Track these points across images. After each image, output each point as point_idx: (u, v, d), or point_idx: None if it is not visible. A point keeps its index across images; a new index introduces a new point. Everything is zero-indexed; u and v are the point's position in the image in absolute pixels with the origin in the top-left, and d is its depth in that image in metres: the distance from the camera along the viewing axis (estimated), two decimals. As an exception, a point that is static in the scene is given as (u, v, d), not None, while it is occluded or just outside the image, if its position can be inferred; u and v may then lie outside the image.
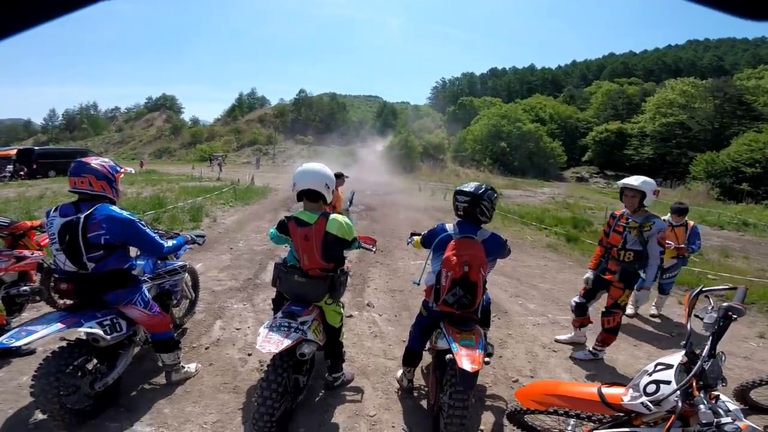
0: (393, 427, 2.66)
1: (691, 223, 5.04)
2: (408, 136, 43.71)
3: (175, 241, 2.92)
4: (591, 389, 1.91)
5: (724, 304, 1.74)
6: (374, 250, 3.25)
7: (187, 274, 3.71)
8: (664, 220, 4.76)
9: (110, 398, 2.63)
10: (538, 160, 45.19)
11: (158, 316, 2.73)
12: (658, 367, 1.74)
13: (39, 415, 2.41)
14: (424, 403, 2.92)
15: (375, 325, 4.26)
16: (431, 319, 2.67)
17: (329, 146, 52.14)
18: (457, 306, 2.38)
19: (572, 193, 27.58)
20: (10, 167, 21.53)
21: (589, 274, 3.84)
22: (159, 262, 3.26)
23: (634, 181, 3.35)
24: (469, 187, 2.64)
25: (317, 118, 65.40)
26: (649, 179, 3.38)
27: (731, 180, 30.91)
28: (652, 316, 5.03)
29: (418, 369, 3.06)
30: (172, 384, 2.91)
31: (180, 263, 3.47)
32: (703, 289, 1.95)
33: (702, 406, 1.48)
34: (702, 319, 1.75)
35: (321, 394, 2.94)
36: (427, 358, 3.08)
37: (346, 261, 2.83)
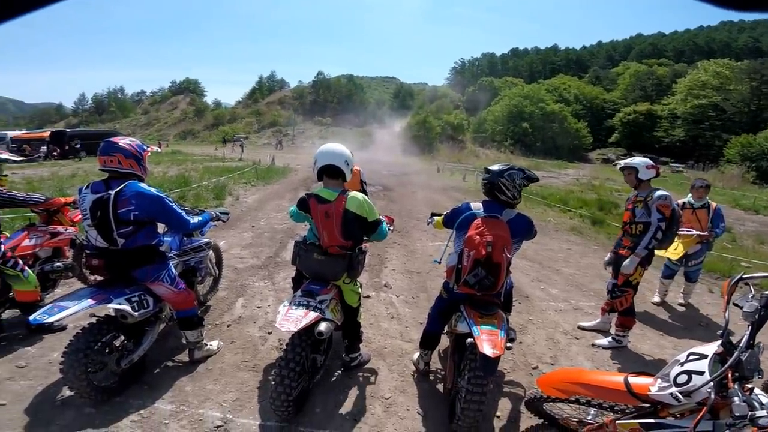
0: (408, 410, 2.67)
1: (714, 204, 4.73)
2: (426, 117, 43.14)
3: (200, 218, 2.98)
4: (617, 378, 1.86)
5: (766, 292, 1.64)
6: (392, 229, 3.23)
7: (211, 251, 3.78)
8: (683, 203, 4.74)
9: (134, 375, 2.70)
10: (561, 141, 44.19)
11: (184, 293, 2.79)
12: (691, 357, 1.67)
13: (66, 392, 2.48)
14: (440, 386, 2.92)
15: (392, 306, 4.28)
16: (451, 301, 2.64)
17: (346, 127, 52.12)
18: (478, 287, 2.34)
19: (598, 174, 26.77)
20: (44, 148, 22.55)
21: (607, 257, 3.97)
22: (185, 239, 3.33)
23: (628, 160, 3.75)
24: (495, 166, 2.62)
25: (335, 99, 65.59)
26: (640, 158, 3.80)
27: None
28: (680, 304, 4.86)
29: (434, 352, 3.06)
30: (195, 361, 2.98)
31: (205, 240, 3.54)
32: (743, 277, 1.84)
33: (736, 399, 1.41)
34: (741, 307, 1.65)
35: (337, 374, 2.98)
36: (444, 341, 3.08)
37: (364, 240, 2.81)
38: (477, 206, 2.59)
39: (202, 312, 3.75)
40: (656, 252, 4.29)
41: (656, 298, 4.93)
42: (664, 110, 45.62)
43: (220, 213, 3.40)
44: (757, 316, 1.59)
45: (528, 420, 2.58)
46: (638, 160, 3.67)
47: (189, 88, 78.86)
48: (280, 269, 5.13)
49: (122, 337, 2.61)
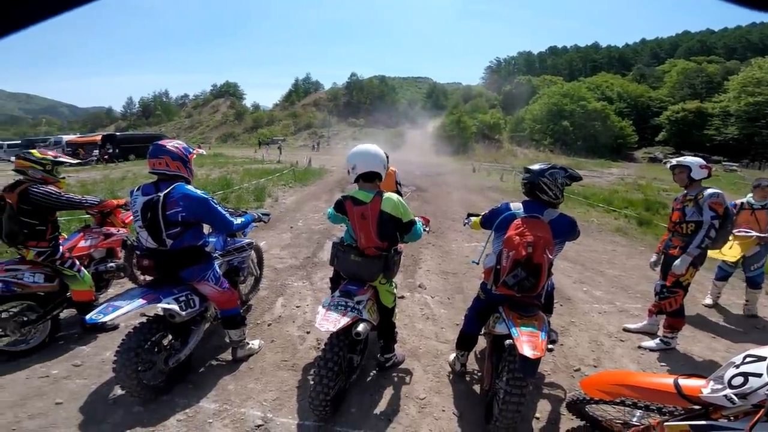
0: (443, 410, 2.65)
1: None
2: (461, 116, 42.61)
3: (243, 219, 3.08)
4: (666, 380, 1.80)
5: None
6: (428, 230, 3.21)
7: (253, 251, 3.89)
8: (742, 203, 4.48)
9: (180, 374, 2.79)
10: (604, 139, 42.45)
11: (228, 292, 2.89)
12: (748, 359, 1.60)
13: (118, 391, 2.59)
14: (476, 388, 2.88)
15: (427, 307, 4.25)
16: (489, 302, 2.59)
17: (379, 128, 52.48)
18: (518, 288, 2.28)
19: (644, 174, 25.43)
20: (96, 152, 23.99)
21: (654, 257, 3.92)
22: (228, 239, 3.45)
23: (681, 159, 3.64)
24: (536, 165, 2.57)
25: (368, 100, 66.15)
26: (693, 157, 3.64)
27: None
28: (748, 316, 4.39)
29: (471, 353, 3.02)
30: (237, 360, 3.07)
31: (247, 241, 3.66)
32: None
33: None
34: None
35: (372, 374, 2.99)
36: (481, 342, 3.02)
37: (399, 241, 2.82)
38: (517, 206, 2.54)
39: (245, 311, 3.87)
40: (712, 253, 4.08)
41: (708, 300, 4.65)
42: (716, 108, 43.51)
43: (262, 214, 3.50)
44: None
45: (568, 422, 2.51)
46: (691, 159, 3.55)
47: (229, 92, 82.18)
48: (318, 269, 5.22)
49: (170, 336, 2.73)
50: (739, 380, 1.54)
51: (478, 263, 2.82)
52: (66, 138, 27.88)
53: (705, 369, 3.21)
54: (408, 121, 56.35)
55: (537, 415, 2.62)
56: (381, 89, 70.27)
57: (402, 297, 4.40)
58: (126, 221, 4.03)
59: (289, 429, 2.42)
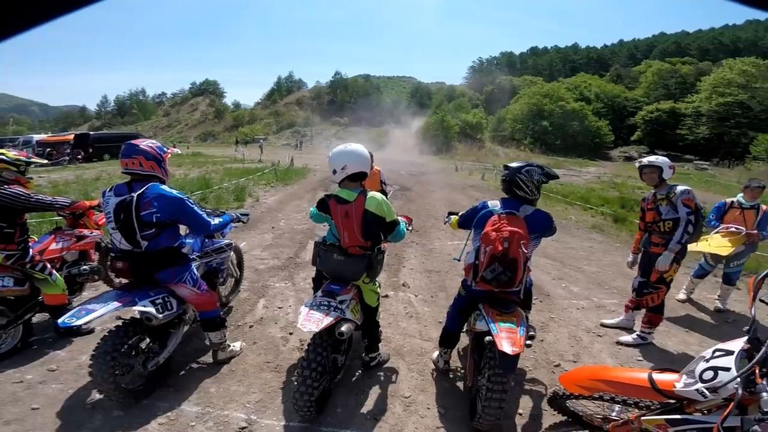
0: (428, 408, 2.66)
1: (765, 206, 4.49)
2: (444, 116, 42.98)
3: (221, 219, 3.02)
4: (641, 375, 1.86)
5: None
6: (410, 228, 3.23)
7: (232, 252, 3.83)
8: (732, 202, 4.60)
9: (160, 378, 2.74)
10: (582, 139, 43.51)
11: (206, 294, 2.84)
12: (717, 353, 1.66)
13: (96, 395, 2.54)
14: (460, 385, 2.91)
15: (410, 305, 4.27)
16: (470, 299, 2.64)
17: (363, 127, 52.40)
18: (495, 283, 2.33)
19: (620, 172, 26.14)
20: (68, 152, 23.15)
21: (630, 257, 3.97)
22: (206, 240, 3.39)
23: (653, 158, 3.67)
24: (514, 163, 2.64)
25: (352, 99, 65.86)
26: (662, 157, 3.69)
27: None
28: (717, 309, 4.55)
29: (454, 351, 3.05)
30: (218, 363, 3.02)
31: (226, 241, 3.59)
32: None
33: (765, 394, 1.41)
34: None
35: (357, 374, 2.99)
36: (464, 339, 3.05)
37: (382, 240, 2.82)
38: (494, 204, 2.59)
39: (225, 313, 3.81)
40: (703, 247, 4.28)
41: (681, 296, 4.81)
42: (688, 108, 44.95)
43: (241, 214, 3.44)
44: None
45: (550, 417, 2.56)
46: (662, 159, 3.61)
47: (209, 90, 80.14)
48: (300, 270, 5.18)
49: (148, 340, 2.66)
50: (709, 374, 1.58)
51: (459, 260, 2.86)
52: (37, 137, 26.82)
53: (679, 363, 3.30)
54: (392, 121, 56.53)
55: (520, 411, 2.66)
56: (365, 88, 69.95)
57: (386, 296, 4.41)
58: (99, 223, 3.91)
59: (274, 430, 2.40)
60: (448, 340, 2.88)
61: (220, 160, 22.24)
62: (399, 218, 2.79)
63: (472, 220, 2.63)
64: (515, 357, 2.10)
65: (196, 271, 2.84)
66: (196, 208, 2.68)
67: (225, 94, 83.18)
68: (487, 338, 2.23)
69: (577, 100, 48.57)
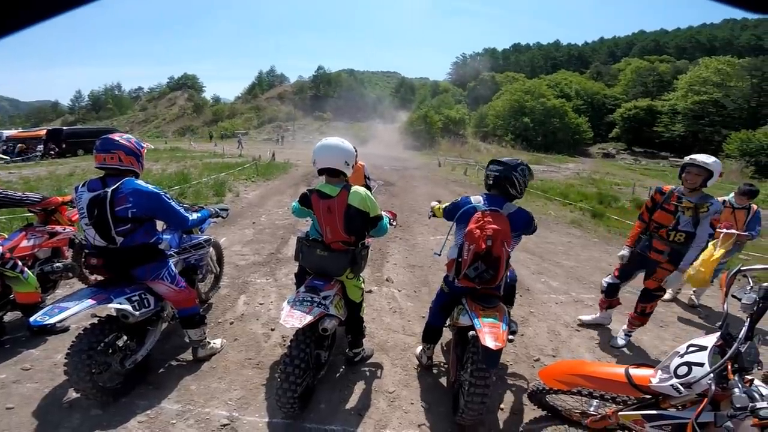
0: (412, 403, 2.67)
1: (755, 206, 4.52)
2: (428, 112, 43.14)
3: (199, 214, 2.96)
4: (618, 370, 1.87)
5: (765, 284, 1.65)
6: (395, 224, 3.22)
7: (212, 248, 3.76)
8: (724, 201, 4.40)
9: (139, 375, 2.69)
10: (562, 135, 44.35)
11: (185, 291, 2.78)
12: (691, 349, 1.68)
13: (73, 394, 2.47)
14: (443, 380, 2.93)
15: (394, 300, 4.28)
16: (452, 295, 2.64)
17: (347, 122, 52.17)
18: (478, 281, 2.34)
19: (598, 168, 26.85)
20: (40, 147, 22.37)
21: (625, 251, 3.58)
22: (184, 236, 3.31)
23: (706, 158, 2.99)
24: (506, 159, 2.62)
25: (335, 94, 65.38)
26: (718, 160, 3.04)
27: (767, 158, 31.21)
28: (690, 306, 4.66)
29: (437, 346, 3.06)
30: (199, 360, 2.97)
31: (205, 237, 3.52)
32: (742, 269, 1.84)
33: (737, 390, 1.43)
34: (740, 299, 1.66)
35: (341, 369, 2.98)
36: (446, 334, 3.07)
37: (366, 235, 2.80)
38: (477, 200, 2.57)
39: (204, 310, 3.75)
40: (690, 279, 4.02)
41: (667, 296, 4.70)
42: (665, 106, 46.36)
43: (220, 209, 3.37)
44: (755, 308, 1.60)
45: (531, 412, 2.59)
46: (715, 163, 2.98)
47: (187, 84, 78.70)
48: (282, 265, 5.12)
49: (125, 337, 2.60)
50: (683, 370, 1.61)
51: (440, 255, 2.85)
52: (7, 133, 25.77)
53: (654, 358, 3.42)
54: (377, 116, 56.58)
55: (501, 405, 2.69)
56: (349, 83, 69.64)
57: (370, 291, 4.41)
58: (73, 219, 3.78)
59: (257, 427, 2.37)
60: (430, 335, 2.89)
61: (199, 155, 21.78)
62: (383, 213, 2.77)
63: (455, 214, 2.63)
64: (498, 352, 2.10)
65: (173, 268, 2.77)
66: (173, 203, 2.61)
67: (204, 88, 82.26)
68: (471, 333, 2.23)
69: (558, 96, 49.52)
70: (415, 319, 3.83)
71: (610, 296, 3.77)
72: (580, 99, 52.87)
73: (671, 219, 3.18)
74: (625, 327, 3.67)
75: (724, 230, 4.34)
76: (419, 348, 3.10)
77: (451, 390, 2.66)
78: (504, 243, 2.30)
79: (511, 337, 2.62)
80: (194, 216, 2.84)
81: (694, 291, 4.72)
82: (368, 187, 5.54)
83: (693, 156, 3.09)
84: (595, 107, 52.61)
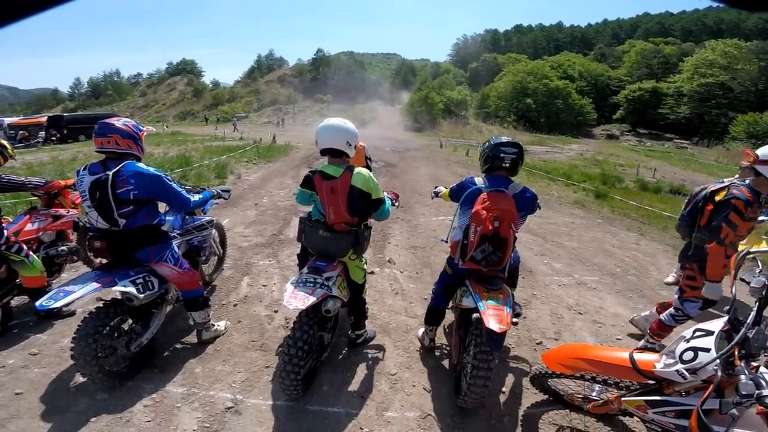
0: (414, 386, 2.69)
1: None
2: (429, 93, 42.59)
3: (201, 196, 2.93)
4: (622, 354, 1.83)
5: None
6: (397, 204, 3.19)
7: (214, 229, 3.75)
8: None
9: (145, 359, 2.71)
10: (565, 117, 43.86)
11: (188, 273, 2.78)
12: (697, 333, 1.62)
13: (80, 378, 2.51)
14: (445, 362, 2.94)
15: (396, 282, 4.29)
16: (456, 276, 2.62)
17: (347, 104, 51.67)
18: (485, 263, 2.31)
19: (602, 150, 26.47)
20: (42, 133, 22.33)
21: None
22: (187, 217, 3.30)
23: None
24: (504, 138, 2.56)
25: (335, 76, 64.88)
26: None
27: None
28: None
29: (440, 328, 3.07)
30: (203, 343, 2.98)
31: (207, 219, 3.51)
32: (750, 251, 1.77)
33: (743, 377, 1.37)
34: (748, 283, 1.60)
35: (344, 351, 3.00)
36: (449, 316, 3.08)
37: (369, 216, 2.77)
38: (480, 181, 2.54)
39: (208, 292, 3.77)
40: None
41: (670, 279, 4.71)
42: (670, 88, 45.98)
43: (221, 191, 3.35)
44: (764, 292, 1.53)
45: (533, 396, 2.60)
46: None
47: (186, 69, 78.42)
48: (285, 247, 5.13)
49: (130, 321, 2.62)
50: (689, 355, 1.56)
51: (446, 241, 2.77)
52: (8, 120, 25.66)
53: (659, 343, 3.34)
54: (377, 98, 56.02)
55: (503, 389, 2.70)
56: (349, 65, 69.19)
57: (372, 272, 4.41)
58: (76, 202, 3.78)
59: (260, 410, 2.40)
60: (433, 317, 2.89)
61: (200, 138, 21.64)
62: (385, 196, 2.74)
63: (460, 195, 2.59)
64: (502, 335, 2.08)
65: (177, 250, 2.78)
66: (174, 184, 2.59)
67: (203, 73, 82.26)
68: (475, 315, 2.22)
69: (561, 78, 48.83)
70: (417, 301, 3.84)
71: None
72: (583, 80, 52.26)
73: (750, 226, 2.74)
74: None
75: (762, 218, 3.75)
76: (421, 330, 3.10)
77: (453, 372, 2.67)
78: (511, 224, 2.28)
79: (515, 320, 2.59)
80: (196, 197, 2.82)
81: None
82: (369, 168, 5.50)
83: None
84: (598, 89, 52.07)
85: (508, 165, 2.48)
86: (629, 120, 47.59)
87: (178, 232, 3.10)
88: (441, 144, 23.49)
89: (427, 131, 35.97)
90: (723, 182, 2.77)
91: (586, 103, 46.23)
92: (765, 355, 1.51)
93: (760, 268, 1.64)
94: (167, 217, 3.00)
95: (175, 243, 2.84)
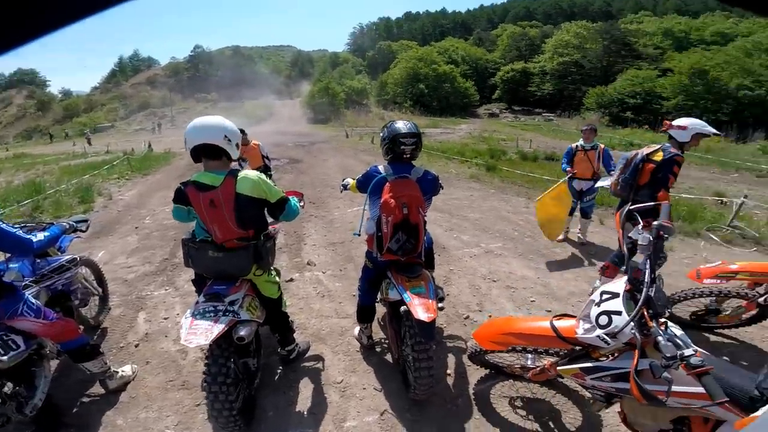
0: (364, 388, 2.57)
1: (602, 146, 5.10)
2: (329, 83, 41.99)
3: (47, 233, 2.29)
4: (543, 324, 1.88)
5: (655, 223, 1.71)
6: (302, 204, 2.83)
7: (83, 267, 3.11)
8: (576, 145, 5.05)
9: (53, 421, 2.31)
10: (454, 99, 46.75)
11: (58, 322, 2.26)
12: (605, 296, 1.66)
13: None
14: (388, 357, 2.86)
15: (320, 284, 4.07)
16: (377, 269, 2.54)
17: (238, 102, 48.55)
18: (401, 252, 2.28)
19: (486, 127, 28.98)
20: None
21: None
22: (38, 261, 2.64)
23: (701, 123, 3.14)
24: (406, 127, 2.40)
25: (219, 73, 60.51)
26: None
27: (617, 109, 36.65)
28: (580, 241, 5.16)
29: (374, 323, 2.97)
30: (112, 392, 2.54)
31: (68, 257, 2.84)
32: (631, 209, 1.93)
33: (660, 338, 1.41)
34: (635, 240, 1.70)
35: (279, 370, 2.73)
36: (381, 309, 2.98)
37: (269, 223, 2.42)
38: (383, 168, 2.45)
39: (99, 337, 3.18)
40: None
41: (561, 236, 5.22)
42: (536, 68, 51.53)
43: (75, 222, 2.67)
44: (651, 248, 1.63)
45: (476, 372, 2.65)
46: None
47: (24, 80, 66.03)
48: (180, 271, 4.42)
49: (10, 384, 2.08)
50: (604, 319, 1.58)
51: (359, 235, 2.61)
52: None
53: (564, 300, 3.67)
54: (273, 92, 53.56)
55: (448, 371, 2.71)
56: (235, 60, 64.68)
57: (291, 279, 4.13)
58: None
59: (203, 453, 2.05)
60: (365, 314, 2.79)
61: (53, 158, 18.22)
62: (285, 194, 2.39)
63: (367, 185, 2.45)
64: (432, 323, 2.07)
65: (33, 300, 2.21)
66: (4, 226, 1.99)
67: (48, 82, 70.75)
68: (402, 308, 2.19)
69: (447, 62, 51.64)
70: (346, 300, 3.69)
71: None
72: (466, 64, 55.80)
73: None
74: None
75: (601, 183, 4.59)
76: (357, 329, 2.98)
77: (398, 366, 2.61)
78: (419, 209, 2.27)
79: (440, 305, 2.63)
80: (40, 236, 2.19)
81: (579, 229, 5.26)
82: (268, 168, 5.00)
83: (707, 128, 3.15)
84: (479, 71, 56.13)
85: (408, 156, 2.41)
86: (505, 99, 52.55)
87: (31, 279, 2.47)
88: (347, 134, 23.38)
89: (332, 122, 35.52)
90: (654, 146, 3.30)
91: (470, 86, 49.63)
92: (668, 311, 1.62)
93: (642, 224, 1.74)
94: (11, 265, 2.40)
95: (29, 292, 2.27)
